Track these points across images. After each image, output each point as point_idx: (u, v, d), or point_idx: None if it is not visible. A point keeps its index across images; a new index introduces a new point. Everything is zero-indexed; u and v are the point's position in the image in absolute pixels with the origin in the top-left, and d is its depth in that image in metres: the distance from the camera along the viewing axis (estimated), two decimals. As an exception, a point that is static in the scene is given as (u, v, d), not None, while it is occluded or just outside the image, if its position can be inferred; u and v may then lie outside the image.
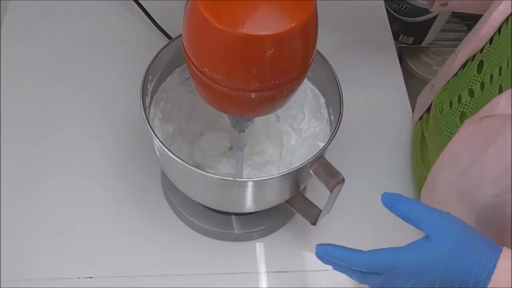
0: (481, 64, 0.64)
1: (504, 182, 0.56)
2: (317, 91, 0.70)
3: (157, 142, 0.60)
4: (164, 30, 0.90)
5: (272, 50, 0.47)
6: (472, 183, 0.61)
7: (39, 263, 0.70)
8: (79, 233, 0.72)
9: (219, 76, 0.49)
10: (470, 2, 0.72)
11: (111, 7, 0.95)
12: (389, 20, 0.98)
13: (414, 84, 1.09)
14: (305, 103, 0.73)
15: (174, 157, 0.59)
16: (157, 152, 0.65)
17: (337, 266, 0.58)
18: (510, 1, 0.59)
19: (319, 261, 0.72)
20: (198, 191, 0.67)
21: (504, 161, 0.55)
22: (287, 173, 0.60)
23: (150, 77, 0.65)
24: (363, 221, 0.76)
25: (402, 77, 0.90)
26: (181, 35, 0.52)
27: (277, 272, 0.72)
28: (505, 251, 0.51)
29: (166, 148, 0.59)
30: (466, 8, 0.75)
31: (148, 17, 0.91)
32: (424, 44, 1.20)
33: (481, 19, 0.66)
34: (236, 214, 0.74)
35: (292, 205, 0.70)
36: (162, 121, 0.71)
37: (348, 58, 0.89)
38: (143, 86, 0.63)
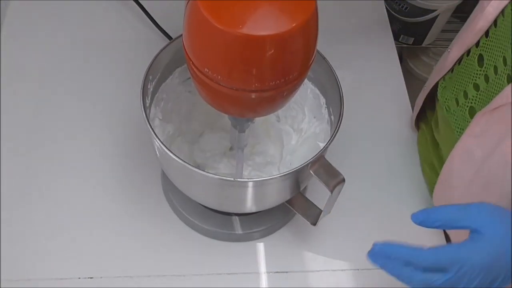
0: (481, 57, 0.65)
1: None
2: (317, 91, 0.70)
3: (158, 142, 0.60)
4: (164, 30, 0.90)
5: (273, 50, 0.47)
6: (495, 174, 0.61)
7: (39, 263, 0.70)
8: (79, 233, 0.72)
9: (219, 76, 0.49)
10: None
11: (111, 7, 0.95)
12: (390, 20, 0.98)
13: (414, 84, 1.08)
14: (305, 103, 0.73)
15: (175, 157, 0.59)
16: (157, 152, 0.65)
17: (393, 266, 0.52)
18: None
19: (319, 261, 0.72)
20: (198, 192, 0.67)
21: None
22: (287, 174, 0.59)
23: (150, 77, 0.65)
24: (363, 221, 0.76)
25: (402, 77, 0.90)
26: (181, 35, 0.52)
27: (277, 272, 0.72)
28: None
29: (167, 148, 0.59)
30: None
31: (148, 17, 0.91)
32: (424, 44, 1.20)
33: (472, 15, 0.67)
34: (236, 215, 0.74)
35: (293, 205, 0.70)
36: (162, 121, 0.71)
37: (349, 58, 0.89)
38: (143, 86, 0.63)
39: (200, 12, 0.46)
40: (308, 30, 0.48)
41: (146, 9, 0.92)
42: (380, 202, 0.77)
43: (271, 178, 0.60)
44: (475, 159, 0.63)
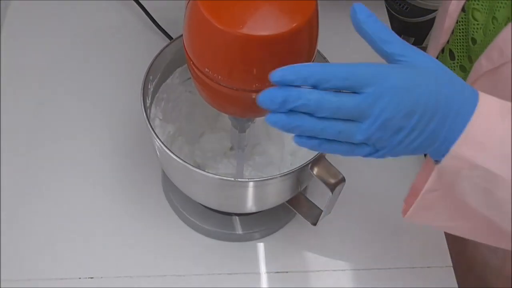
0: (451, 52, 0.68)
1: None
2: (317, 91, 0.70)
3: (158, 142, 0.60)
4: (165, 30, 0.90)
5: (273, 51, 0.47)
6: None
7: (39, 263, 0.70)
8: (80, 233, 0.72)
9: (219, 77, 0.49)
10: None
11: (111, 7, 0.95)
12: (390, 20, 0.98)
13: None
14: (305, 103, 0.73)
15: (175, 157, 0.59)
16: (157, 153, 0.65)
17: (299, 92, 0.42)
18: None
19: (320, 262, 0.73)
20: (198, 192, 0.67)
21: None
22: (288, 174, 0.60)
23: (151, 77, 0.65)
24: (364, 221, 0.76)
25: (402, 77, 0.90)
26: (182, 35, 0.52)
27: (277, 272, 0.72)
28: (482, 94, 0.47)
29: (167, 148, 0.59)
30: None
31: (148, 17, 0.91)
32: (424, 44, 1.20)
33: (438, 15, 0.72)
34: (236, 215, 0.74)
35: (293, 205, 0.70)
36: (162, 122, 0.71)
37: (349, 58, 0.88)
38: (143, 86, 0.63)
39: (200, 12, 0.46)
40: (309, 30, 0.48)
41: (147, 9, 0.92)
42: (381, 202, 0.77)
43: (271, 178, 0.60)
44: None
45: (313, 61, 0.52)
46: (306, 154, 0.69)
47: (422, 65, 0.45)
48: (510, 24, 0.57)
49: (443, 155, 0.46)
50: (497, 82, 0.60)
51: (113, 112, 0.83)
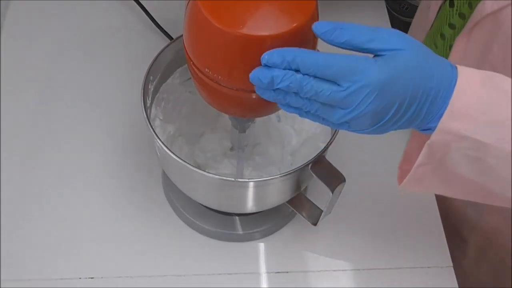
0: (451, 1, 0.67)
1: None
2: (318, 92, 0.70)
3: (158, 142, 0.60)
4: (165, 31, 0.90)
5: None
6: None
7: (39, 263, 0.70)
8: (80, 233, 0.72)
9: (219, 77, 0.49)
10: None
11: (111, 7, 0.95)
12: (390, 20, 0.98)
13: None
14: (306, 104, 0.73)
15: (175, 157, 0.59)
16: (158, 153, 0.65)
17: (283, 75, 0.46)
18: None
19: (320, 262, 0.72)
20: (199, 192, 0.67)
21: None
22: (288, 174, 0.60)
23: (151, 77, 0.65)
24: (364, 221, 0.76)
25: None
26: (182, 35, 0.52)
27: (278, 272, 0.72)
28: (460, 68, 0.48)
29: (167, 148, 0.59)
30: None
31: (149, 17, 0.91)
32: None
33: None
34: (237, 215, 0.74)
35: (293, 205, 0.70)
36: (163, 122, 0.71)
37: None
38: (144, 86, 0.63)
39: (200, 12, 0.46)
40: (309, 30, 0.48)
41: (147, 9, 0.92)
42: (381, 202, 0.77)
43: (271, 178, 0.60)
44: None
45: None
46: (307, 154, 0.69)
47: (402, 57, 0.45)
48: None
49: (425, 130, 0.49)
50: (500, 24, 0.59)
51: (114, 112, 0.83)
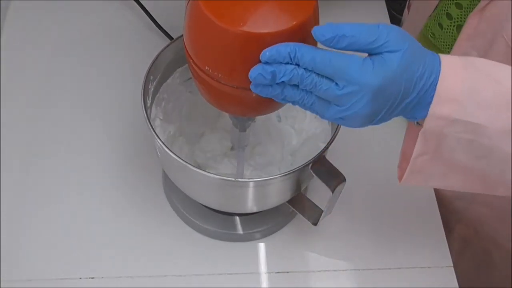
0: None
1: None
2: (318, 91, 0.70)
3: (159, 142, 0.60)
4: (165, 31, 0.90)
5: None
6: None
7: (39, 264, 0.70)
8: (80, 233, 0.72)
9: (220, 75, 0.49)
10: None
11: (111, 7, 0.95)
12: (390, 20, 0.98)
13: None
14: (306, 103, 0.73)
15: (175, 157, 0.59)
16: (158, 153, 0.65)
17: (284, 68, 0.47)
18: None
19: (320, 262, 0.72)
20: (199, 192, 0.67)
21: None
22: (288, 174, 0.60)
23: (151, 77, 0.65)
24: (364, 221, 0.76)
25: (403, 77, 0.90)
26: (182, 35, 0.52)
27: (278, 272, 0.72)
28: (442, 56, 0.49)
29: (168, 148, 0.59)
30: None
31: (149, 17, 0.91)
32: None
33: None
34: (237, 215, 0.74)
35: (294, 205, 0.70)
36: (163, 122, 0.71)
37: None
38: (144, 86, 0.63)
39: (201, 10, 0.47)
40: (309, 29, 0.48)
41: (147, 9, 0.92)
42: (381, 202, 0.77)
43: (272, 178, 0.60)
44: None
45: None
46: (307, 154, 0.69)
47: (397, 59, 0.46)
48: None
49: (415, 118, 0.50)
50: None
51: (114, 112, 0.83)
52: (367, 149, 0.82)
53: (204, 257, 0.72)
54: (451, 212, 0.82)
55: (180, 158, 0.59)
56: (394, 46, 0.46)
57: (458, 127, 0.49)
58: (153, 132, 0.60)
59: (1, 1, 0.93)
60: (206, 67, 0.50)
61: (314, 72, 0.47)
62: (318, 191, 0.75)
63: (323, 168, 0.60)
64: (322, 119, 0.53)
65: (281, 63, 0.47)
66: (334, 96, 0.47)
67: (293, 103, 0.50)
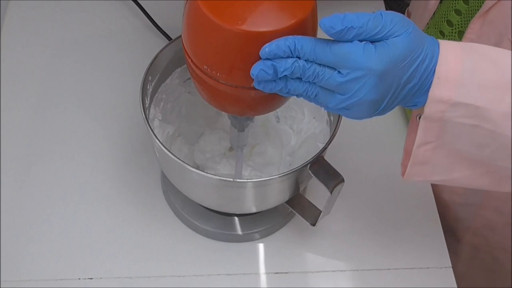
0: None
1: None
2: (317, 92, 0.70)
3: (157, 143, 0.60)
4: (164, 31, 0.90)
5: None
6: None
7: (39, 264, 0.70)
8: (79, 233, 0.72)
9: (218, 74, 0.50)
10: None
11: (111, 8, 0.95)
12: (389, 20, 0.98)
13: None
14: (304, 104, 0.73)
15: (174, 158, 0.59)
16: (157, 153, 0.65)
17: (285, 62, 0.47)
18: None
19: (319, 262, 0.72)
20: (198, 192, 0.67)
21: None
22: (287, 174, 0.60)
23: (150, 78, 0.65)
24: (363, 221, 0.76)
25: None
26: (180, 36, 0.52)
27: (277, 273, 0.72)
28: (441, 40, 0.49)
29: (166, 149, 0.59)
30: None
31: (147, 18, 0.91)
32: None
33: None
34: (236, 215, 0.74)
35: (292, 206, 0.70)
36: (162, 122, 0.71)
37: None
38: (142, 86, 0.63)
39: (200, 9, 0.47)
40: (307, 28, 0.48)
41: (146, 9, 0.92)
42: (380, 202, 0.77)
43: (270, 179, 0.60)
44: None
45: None
46: (305, 155, 0.69)
47: (400, 43, 0.46)
48: None
49: (416, 105, 0.50)
50: None
51: (112, 113, 0.83)
52: (366, 150, 0.82)
53: (203, 258, 0.72)
54: (458, 220, 0.82)
55: (178, 158, 0.59)
56: (398, 32, 0.46)
57: (460, 110, 0.48)
58: (152, 133, 0.60)
59: (1, 1, 0.93)
60: (205, 66, 0.50)
61: (316, 63, 0.47)
62: (317, 192, 0.75)
63: (322, 169, 0.60)
64: (327, 110, 0.53)
65: (281, 57, 0.47)
66: (337, 83, 0.47)
67: (298, 95, 0.50)
